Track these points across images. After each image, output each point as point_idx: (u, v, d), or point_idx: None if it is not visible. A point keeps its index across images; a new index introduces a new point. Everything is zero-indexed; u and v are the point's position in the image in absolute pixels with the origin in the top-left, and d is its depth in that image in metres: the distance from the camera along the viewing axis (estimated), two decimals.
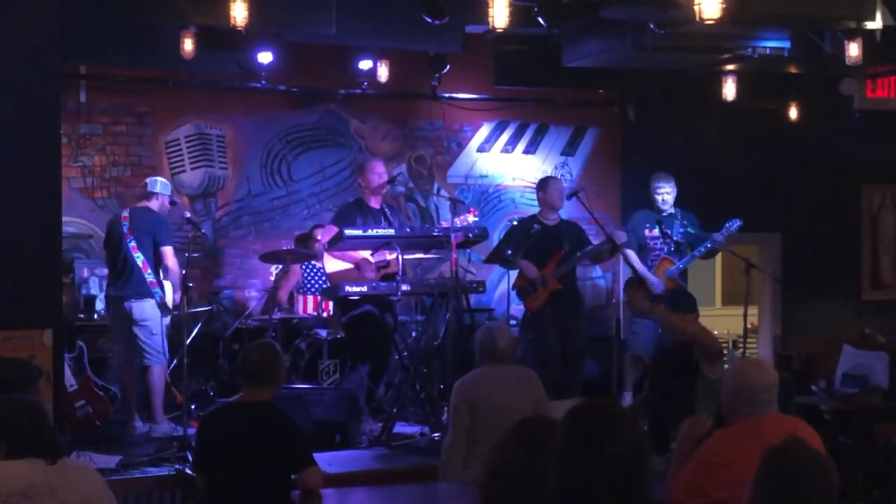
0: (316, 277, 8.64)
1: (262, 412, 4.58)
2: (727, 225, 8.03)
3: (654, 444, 2.78)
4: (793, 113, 9.83)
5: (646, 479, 2.68)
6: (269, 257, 8.10)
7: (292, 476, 4.58)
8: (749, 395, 3.70)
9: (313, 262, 8.53)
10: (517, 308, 8.51)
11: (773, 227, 10.47)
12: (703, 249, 8.09)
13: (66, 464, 3.74)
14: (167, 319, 7.42)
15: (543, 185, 8.08)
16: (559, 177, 9.49)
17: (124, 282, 7.34)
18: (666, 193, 8.21)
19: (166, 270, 7.40)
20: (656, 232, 8.16)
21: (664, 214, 8.22)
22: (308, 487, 4.57)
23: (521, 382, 5.43)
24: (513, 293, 8.28)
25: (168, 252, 7.38)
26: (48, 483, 3.54)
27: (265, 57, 8.48)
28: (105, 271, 7.89)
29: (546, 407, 5.30)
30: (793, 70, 9.21)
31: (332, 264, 7.51)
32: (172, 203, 7.72)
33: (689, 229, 8.23)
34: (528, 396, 5.35)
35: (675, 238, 8.16)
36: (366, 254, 7.49)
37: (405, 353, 7.56)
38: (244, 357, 4.75)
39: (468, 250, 8.67)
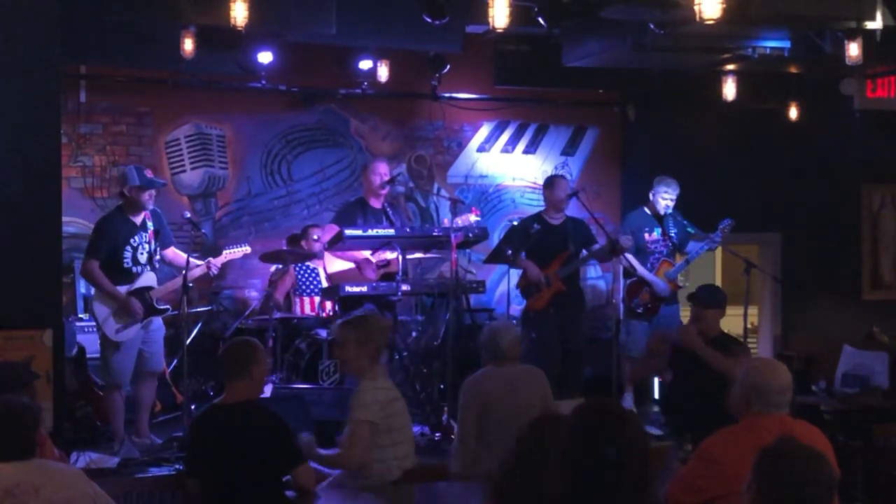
0: (310, 279, 8.62)
1: (248, 412, 4.57)
2: (721, 226, 8.02)
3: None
4: (793, 113, 9.82)
5: (651, 480, 2.68)
6: (270, 257, 8.09)
7: (284, 477, 4.58)
8: (766, 395, 3.74)
9: (307, 264, 8.52)
10: (517, 307, 8.51)
11: (773, 227, 10.47)
12: (701, 251, 8.09)
13: (49, 465, 3.83)
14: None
15: (550, 183, 8.07)
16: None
17: None
18: (671, 199, 8.15)
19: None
20: (656, 235, 8.14)
21: (663, 216, 8.19)
22: (301, 486, 4.56)
23: (527, 382, 5.42)
24: (514, 293, 8.27)
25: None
26: (32, 481, 3.63)
27: (265, 57, 8.49)
28: None
29: (553, 405, 5.29)
30: (793, 70, 9.20)
31: (334, 263, 7.50)
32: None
33: (690, 230, 8.22)
34: (535, 395, 5.35)
35: (673, 240, 8.16)
36: (366, 253, 7.48)
37: (405, 353, 7.56)
38: (219, 354, 4.77)
39: (468, 250, 8.67)
